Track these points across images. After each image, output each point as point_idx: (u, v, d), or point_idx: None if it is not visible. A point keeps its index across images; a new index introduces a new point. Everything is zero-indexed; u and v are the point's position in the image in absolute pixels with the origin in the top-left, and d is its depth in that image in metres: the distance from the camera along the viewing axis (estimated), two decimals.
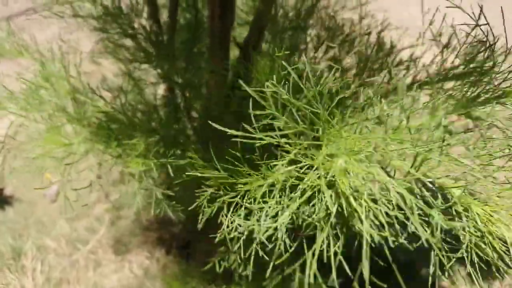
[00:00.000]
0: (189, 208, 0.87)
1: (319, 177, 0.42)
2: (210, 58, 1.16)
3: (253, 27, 1.11)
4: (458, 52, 0.67)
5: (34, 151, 0.93)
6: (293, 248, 0.58)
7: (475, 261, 0.60)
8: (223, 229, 0.65)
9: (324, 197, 0.40)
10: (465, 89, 0.57)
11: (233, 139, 0.56)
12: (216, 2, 1.00)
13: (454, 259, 0.53)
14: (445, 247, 0.56)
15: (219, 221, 0.71)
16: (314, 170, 0.43)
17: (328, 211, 0.42)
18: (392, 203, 0.42)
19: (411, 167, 0.43)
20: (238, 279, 1.19)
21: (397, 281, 0.52)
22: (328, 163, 0.42)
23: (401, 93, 0.46)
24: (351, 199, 0.39)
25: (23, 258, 1.87)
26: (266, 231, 0.48)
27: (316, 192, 0.42)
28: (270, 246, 0.53)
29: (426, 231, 0.48)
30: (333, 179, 0.43)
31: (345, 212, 0.40)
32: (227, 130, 0.51)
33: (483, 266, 0.61)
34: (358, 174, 0.40)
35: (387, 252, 0.48)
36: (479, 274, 0.59)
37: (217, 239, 0.78)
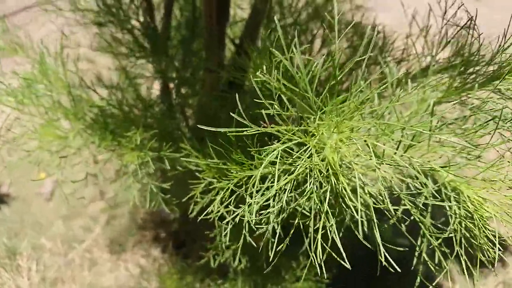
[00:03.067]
0: (183, 200, 0.88)
1: (311, 156, 0.43)
2: (207, 56, 1.17)
3: (249, 24, 1.12)
4: (444, 38, 0.69)
5: (30, 145, 0.94)
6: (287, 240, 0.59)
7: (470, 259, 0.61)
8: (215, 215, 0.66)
9: (317, 174, 0.41)
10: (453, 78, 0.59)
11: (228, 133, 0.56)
12: (213, 6, 1.01)
13: (441, 239, 0.54)
14: (434, 230, 0.58)
15: (211, 219, 0.72)
16: (306, 150, 0.44)
17: (321, 190, 0.43)
18: (382, 181, 0.43)
19: (397, 148, 0.44)
20: (233, 274, 1.19)
21: (391, 276, 0.53)
22: (319, 142, 0.43)
23: (391, 77, 0.47)
24: (341, 176, 0.40)
25: (18, 258, 1.86)
26: (259, 212, 0.49)
27: (308, 171, 0.43)
28: (260, 230, 0.54)
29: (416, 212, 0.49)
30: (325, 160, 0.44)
31: (334, 189, 0.41)
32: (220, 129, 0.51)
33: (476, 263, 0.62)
34: (347, 152, 0.41)
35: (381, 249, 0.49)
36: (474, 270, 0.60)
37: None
